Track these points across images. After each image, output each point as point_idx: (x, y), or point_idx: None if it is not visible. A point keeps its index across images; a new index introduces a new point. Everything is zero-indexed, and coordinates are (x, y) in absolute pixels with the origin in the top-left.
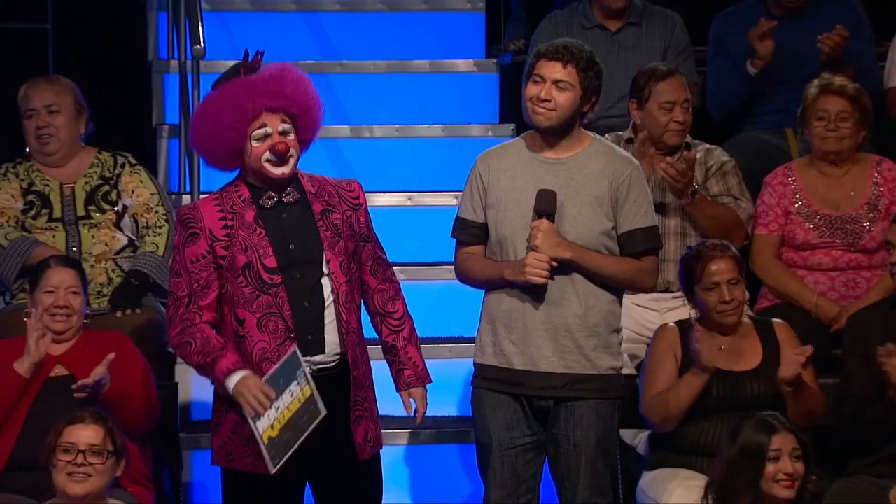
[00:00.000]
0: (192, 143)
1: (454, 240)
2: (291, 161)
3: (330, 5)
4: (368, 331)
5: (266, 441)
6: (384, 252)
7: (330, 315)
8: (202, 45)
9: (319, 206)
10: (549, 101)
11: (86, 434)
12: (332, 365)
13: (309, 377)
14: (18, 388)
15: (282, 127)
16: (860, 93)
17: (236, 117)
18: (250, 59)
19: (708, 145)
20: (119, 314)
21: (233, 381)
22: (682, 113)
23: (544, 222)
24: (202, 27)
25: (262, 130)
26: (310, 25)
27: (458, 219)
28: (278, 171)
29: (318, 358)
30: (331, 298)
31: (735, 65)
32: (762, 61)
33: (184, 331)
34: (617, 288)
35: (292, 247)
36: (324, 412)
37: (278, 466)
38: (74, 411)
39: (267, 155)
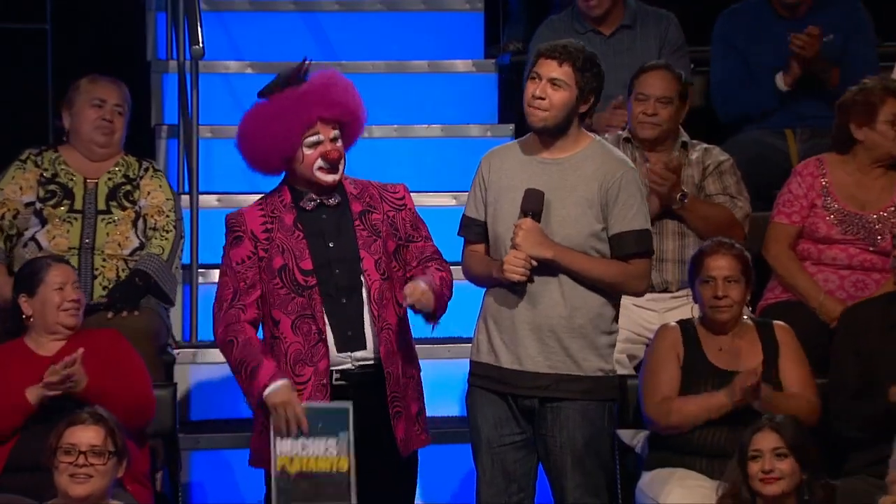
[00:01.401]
0: (241, 149)
1: (461, 238)
2: (341, 167)
3: (329, 5)
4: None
5: (278, 469)
6: (440, 254)
7: (367, 313)
8: (201, 45)
9: (359, 206)
10: (543, 98)
11: (87, 435)
12: (373, 363)
13: (352, 455)
14: (26, 414)
15: (332, 134)
16: None
17: (290, 127)
18: (299, 69)
19: (706, 145)
20: (110, 315)
21: (271, 389)
22: (656, 107)
23: (527, 221)
24: (201, 27)
25: (313, 138)
26: (308, 25)
27: (463, 216)
28: (329, 178)
29: (359, 354)
30: (365, 296)
31: (746, 66)
32: (792, 78)
33: (227, 328)
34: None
35: (331, 244)
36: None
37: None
38: (74, 412)
39: (319, 163)
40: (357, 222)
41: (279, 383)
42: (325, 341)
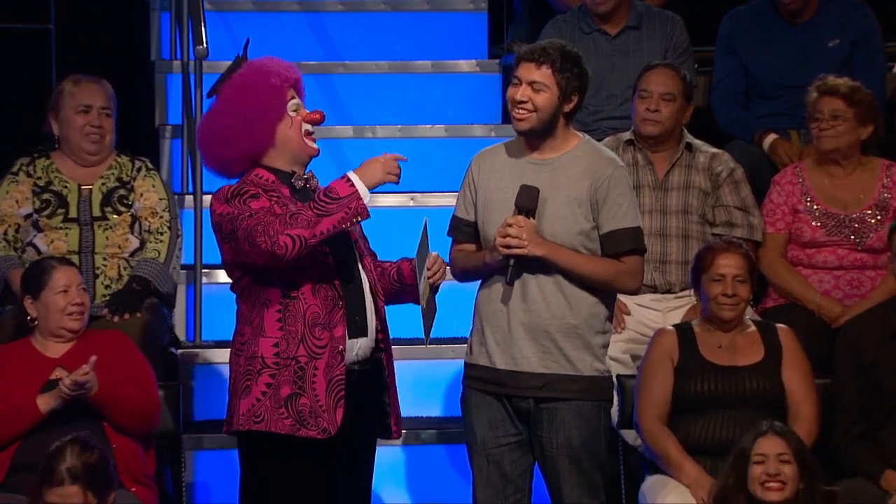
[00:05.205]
0: (217, 135)
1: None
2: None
3: (332, 6)
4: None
5: (425, 306)
6: None
7: (368, 298)
8: (205, 45)
9: None
10: (525, 102)
11: (67, 494)
12: (372, 352)
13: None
14: (34, 422)
15: (299, 101)
16: (855, 90)
17: (275, 87)
18: (242, 57)
19: (713, 149)
20: (117, 319)
21: (357, 177)
22: (659, 103)
23: (520, 219)
24: (205, 27)
25: (294, 101)
26: (312, 26)
27: (452, 217)
28: (315, 146)
29: (363, 341)
30: (367, 282)
31: (745, 75)
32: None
33: (284, 218)
34: (603, 290)
35: None
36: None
37: (430, 337)
38: (50, 467)
39: (306, 127)
40: None
41: (353, 175)
42: (341, 308)
